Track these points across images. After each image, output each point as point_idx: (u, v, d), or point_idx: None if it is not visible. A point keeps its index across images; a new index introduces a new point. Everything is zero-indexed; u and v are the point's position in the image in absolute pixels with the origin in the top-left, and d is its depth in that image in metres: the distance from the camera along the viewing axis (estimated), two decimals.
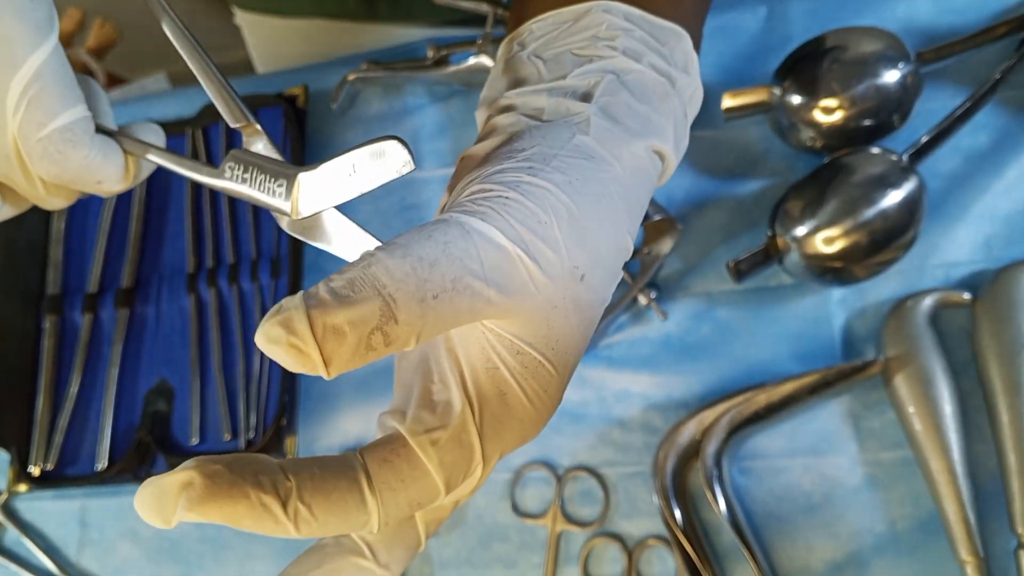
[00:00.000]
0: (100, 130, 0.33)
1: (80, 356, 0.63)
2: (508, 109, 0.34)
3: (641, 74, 0.34)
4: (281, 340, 0.22)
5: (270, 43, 0.78)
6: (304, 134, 0.63)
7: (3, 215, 0.36)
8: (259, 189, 0.30)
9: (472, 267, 0.25)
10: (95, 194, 0.35)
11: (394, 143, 0.27)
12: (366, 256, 0.24)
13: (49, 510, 0.63)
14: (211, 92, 0.31)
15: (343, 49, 0.70)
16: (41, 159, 0.31)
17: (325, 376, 0.23)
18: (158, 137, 0.35)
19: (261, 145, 0.31)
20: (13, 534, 0.62)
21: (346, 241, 0.31)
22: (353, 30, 0.72)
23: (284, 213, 0.29)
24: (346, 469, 0.26)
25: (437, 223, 0.26)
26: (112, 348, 0.63)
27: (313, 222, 0.31)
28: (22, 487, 0.61)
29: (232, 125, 0.31)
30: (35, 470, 0.61)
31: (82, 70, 1.18)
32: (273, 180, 0.29)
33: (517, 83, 0.35)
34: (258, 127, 0.31)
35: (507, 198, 0.27)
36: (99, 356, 0.64)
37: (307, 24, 0.73)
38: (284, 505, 0.24)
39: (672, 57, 0.36)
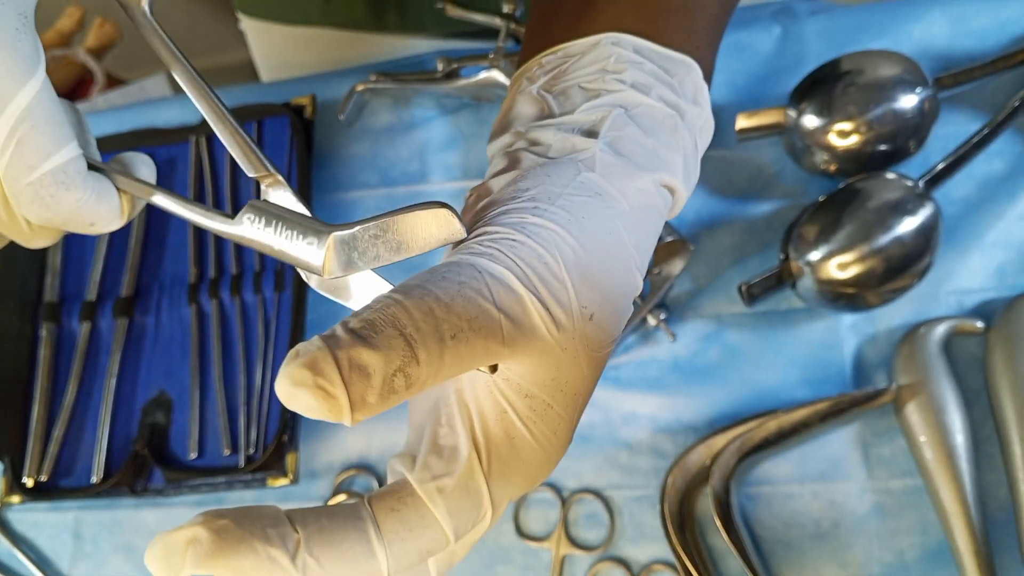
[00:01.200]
0: (92, 167, 0.31)
1: (77, 365, 0.62)
2: (514, 146, 0.34)
3: (650, 107, 0.34)
4: (307, 382, 0.21)
5: (276, 51, 0.77)
6: (311, 145, 0.63)
7: None
8: (286, 240, 0.28)
9: (486, 308, 0.25)
10: (85, 234, 0.33)
11: (444, 210, 0.26)
12: (381, 299, 0.24)
13: (42, 522, 0.62)
14: (226, 140, 0.30)
15: (350, 59, 0.69)
16: (31, 203, 0.29)
17: (348, 422, 0.22)
18: (149, 170, 0.33)
19: (283, 194, 0.29)
20: (5, 546, 0.61)
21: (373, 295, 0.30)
22: (361, 40, 0.71)
23: (314, 271, 0.28)
24: (354, 519, 0.26)
25: (449, 265, 0.26)
26: (110, 358, 0.62)
27: (344, 282, 0.30)
28: (15, 498, 0.60)
29: (250, 175, 0.30)
30: (29, 481, 0.60)
31: (81, 70, 1.17)
32: (301, 237, 0.28)
33: (527, 118, 0.35)
34: (280, 177, 0.29)
35: (513, 240, 0.27)
36: (96, 366, 0.63)
37: (314, 33, 0.72)
38: (292, 558, 0.24)
39: (682, 89, 0.35)
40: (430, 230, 0.27)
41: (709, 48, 0.38)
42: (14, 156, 0.28)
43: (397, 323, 0.23)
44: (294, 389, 0.22)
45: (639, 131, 0.33)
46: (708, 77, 0.37)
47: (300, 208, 0.29)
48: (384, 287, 0.30)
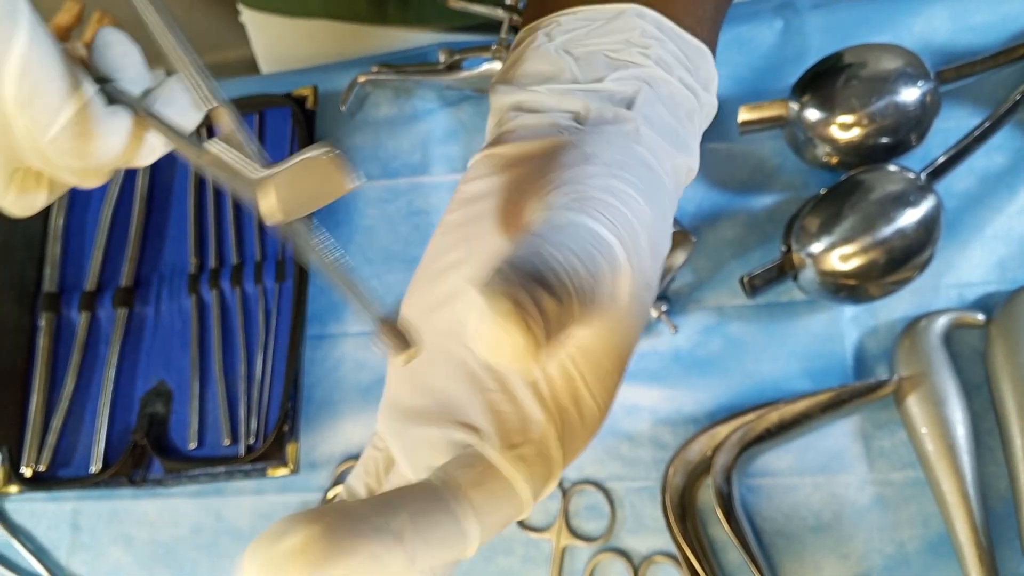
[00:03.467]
0: (117, 100, 0.31)
1: (76, 355, 0.62)
2: (536, 106, 0.34)
3: (672, 87, 0.34)
4: (511, 314, 0.21)
5: (276, 43, 0.77)
6: (313, 136, 0.62)
7: (47, 201, 0.34)
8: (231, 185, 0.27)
9: (600, 270, 0.24)
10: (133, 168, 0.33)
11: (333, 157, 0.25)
12: (535, 243, 0.23)
13: (40, 512, 0.61)
14: (183, 69, 0.29)
15: (351, 51, 0.69)
16: (62, 156, 0.30)
17: (536, 362, 0.21)
18: (184, 103, 0.33)
19: (231, 129, 0.28)
20: (3, 536, 0.61)
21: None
22: (362, 32, 0.71)
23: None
24: (444, 501, 0.25)
25: (572, 225, 0.25)
26: (109, 348, 0.62)
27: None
28: (13, 488, 0.60)
29: (203, 109, 0.29)
30: (27, 471, 0.60)
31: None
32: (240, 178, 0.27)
33: (544, 76, 0.34)
34: (225, 109, 0.28)
35: (611, 205, 0.27)
36: (96, 356, 0.62)
37: (315, 25, 0.72)
38: (403, 547, 0.23)
39: (697, 74, 0.35)
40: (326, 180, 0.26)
41: (713, 38, 0.38)
42: (30, 119, 0.28)
43: (575, 277, 0.23)
44: (501, 319, 0.21)
45: (665, 111, 0.33)
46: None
47: (247, 142, 0.27)
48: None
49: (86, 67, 0.33)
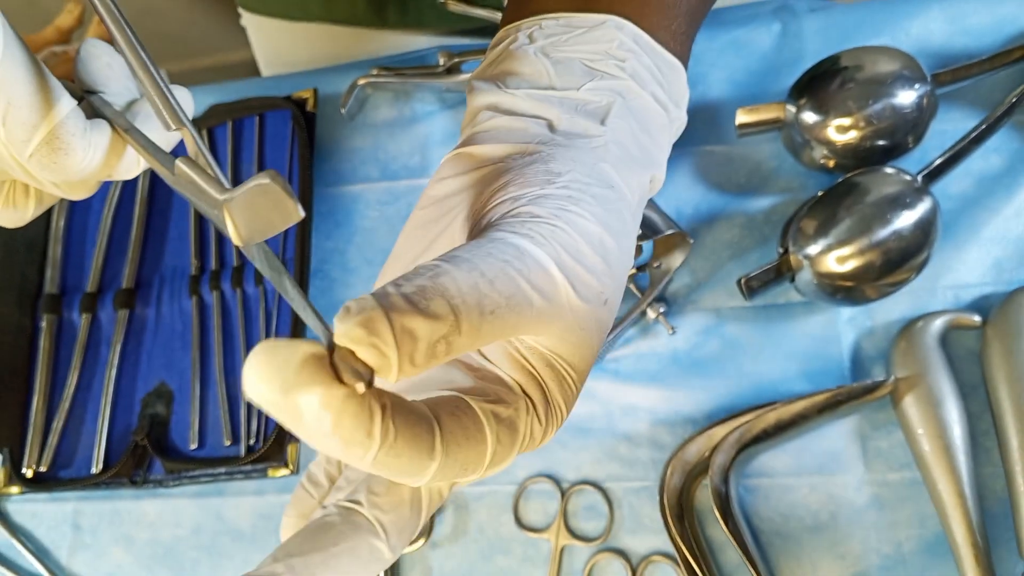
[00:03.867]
0: (99, 114, 0.30)
1: (77, 357, 0.62)
2: (511, 108, 0.34)
3: (644, 101, 0.35)
4: (363, 340, 0.22)
5: (276, 46, 0.78)
6: (313, 138, 0.63)
7: (35, 213, 0.34)
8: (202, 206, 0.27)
9: (524, 288, 0.26)
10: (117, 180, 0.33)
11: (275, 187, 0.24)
12: (431, 267, 0.25)
13: (41, 513, 0.62)
14: (146, 90, 0.28)
15: (351, 55, 0.70)
16: (43, 171, 0.29)
17: (392, 380, 0.23)
18: (187, 102, 0.32)
19: (195, 151, 0.27)
20: (4, 537, 0.61)
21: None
22: (362, 36, 0.71)
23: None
24: (424, 412, 0.25)
25: (494, 242, 0.27)
26: (110, 349, 0.62)
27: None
28: (14, 488, 0.60)
29: (166, 130, 0.28)
30: (28, 471, 0.60)
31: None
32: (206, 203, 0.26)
33: (521, 78, 0.35)
34: (189, 130, 0.28)
35: (555, 226, 0.29)
36: (97, 357, 0.63)
37: (315, 28, 0.72)
38: (383, 414, 0.23)
39: (670, 89, 0.36)
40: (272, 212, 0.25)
41: (685, 53, 0.38)
42: (6, 136, 0.28)
43: (446, 293, 0.24)
44: (351, 343, 0.22)
45: (637, 125, 0.34)
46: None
47: (209, 167, 0.27)
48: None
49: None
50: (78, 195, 0.33)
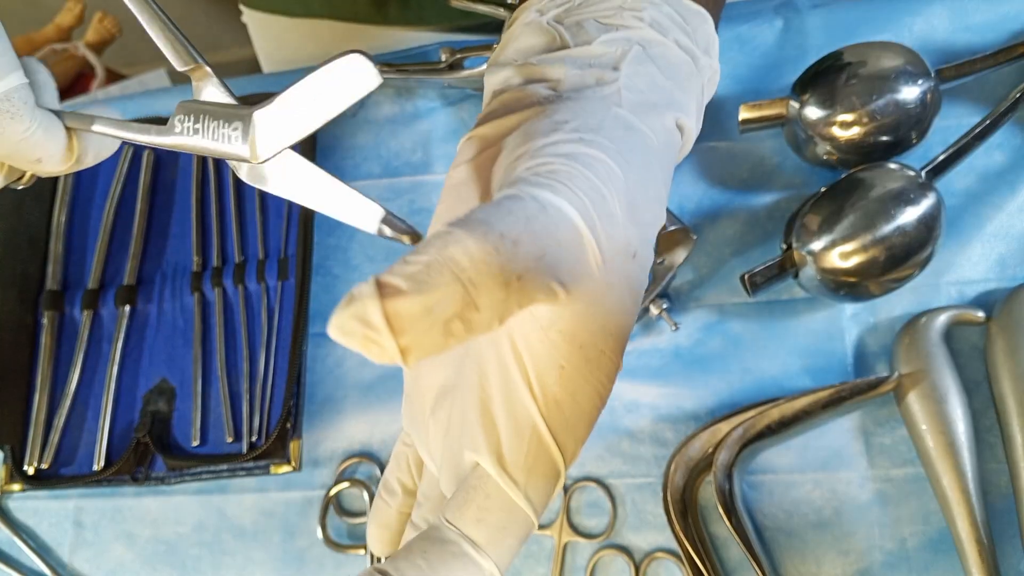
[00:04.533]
0: (41, 107, 0.30)
1: (79, 353, 0.62)
2: (517, 80, 0.33)
3: (666, 47, 0.33)
4: (356, 333, 0.20)
5: (278, 43, 0.78)
6: (314, 135, 0.63)
7: None
8: (212, 138, 0.27)
9: (551, 245, 0.23)
10: (33, 173, 0.32)
11: (354, 56, 0.25)
12: (442, 235, 0.22)
13: (43, 510, 0.61)
14: (155, 33, 0.28)
15: None
16: None
17: (404, 366, 0.21)
18: (110, 114, 0.32)
19: (211, 89, 0.28)
20: (5, 534, 0.61)
21: (313, 189, 0.28)
22: (363, 32, 0.71)
23: (243, 159, 0.26)
24: (449, 546, 0.25)
25: (512, 198, 0.24)
26: (112, 346, 0.62)
27: (277, 169, 0.28)
28: (16, 486, 0.60)
29: (179, 69, 0.28)
30: (30, 469, 0.60)
31: (81, 64, 1.17)
32: (227, 125, 0.26)
33: (533, 50, 0.34)
34: (207, 69, 0.28)
35: (571, 172, 0.26)
36: (99, 354, 0.63)
37: (316, 25, 0.72)
38: None
39: (695, 37, 0.35)
40: (347, 81, 0.25)
41: (713, 7, 0.37)
42: None
43: (456, 266, 0.21)
44: (343, 338, 0.21)
45: (657, 70, 0.32)
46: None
47: (226, 98, 0.27)
48: (330, 181, 0.29)
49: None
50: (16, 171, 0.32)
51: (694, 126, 0.33)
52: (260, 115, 0.26)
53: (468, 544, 0.25)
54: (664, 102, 0.31)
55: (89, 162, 0.33)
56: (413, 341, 0.21)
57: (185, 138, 0.28)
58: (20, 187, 0.34)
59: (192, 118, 0.28)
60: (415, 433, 0.32)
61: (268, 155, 0.26)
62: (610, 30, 0.33)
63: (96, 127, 0.30)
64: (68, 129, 0.31)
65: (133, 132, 0.29)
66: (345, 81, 0.25)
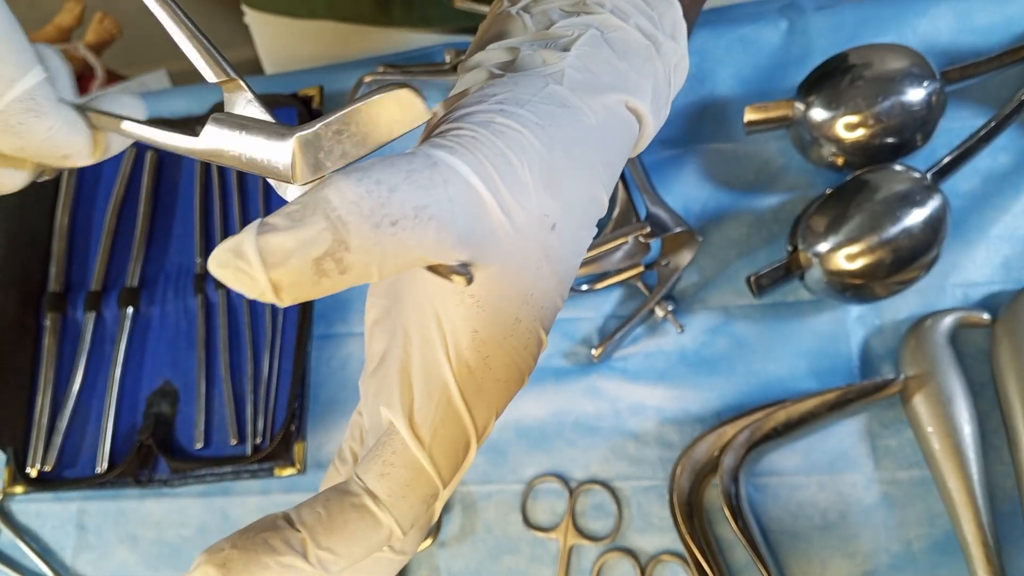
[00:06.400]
0: (63, 102, 0.30)
1: (82, 355, 0.62)
2: (482, 63, 0.33)
3: (625, 32, 0.33)
4: (230, 264, 0.21)
5: (281, 44, 0.77)
6: None
7: (29, 178, 0.33)
8: (251, 152, 0.26)
9: (437, 198, 0.24)
10: (59, 167, 0.32)
11: (403, 91, 0.25)
12: (324, 179, 0.23)
13: (46, 512, 0.61)
14: (184, 44, 0.28)
15: (356, 53, 0.70)
16: (8, 133, 0.28)
17: (278, 303, 0.22)
18: (136, 107, 0.31)
19: (245, 104, 0.27)
20: (8, 536, 0.61)
21: None
22: (366, 34, 0.71)
23: (284, 179, 0.26)
24: (350, 498, 0.26)
25: (403, 154, 0.25)
26: (115, 348, 0.62)
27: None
28: (19, 488, 0.60)
29: (211, 81, 0.28)
30: (33, 471, 0.60)
31: (81, 65, 1.16)
32: (266, 142, 0.26)
33: (501, 37, 0.34)
34: (242, 83, 0.27)
35: (476, 136, 0.26)
36: (101, 356, 0.62)
37: (320, 26, 0.72)
38: (306, 557, 0.25)
39: (660, 22, 0.35)
40: (393, 115, 0.25)
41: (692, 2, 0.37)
42: None
43: (327, 205, 0.22)
44: (219, 270, 0.22)
45: (612, 53, 0.32)
46: (689, 27, 0.37)
47: (263, 115, 0.27)
48: None
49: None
50: (11, 178, 0.32)
51: (649, 110, 0.33)
52: (302, 138, 0.25)
53: (369, 497, 0.26)
54: (614, 84, 0.31)
55: (115, 151, 0.33)
56: (284, 276, 0.22)
57: (222, 144, 0.27)
58: (42, 180, 0.34)
59: (226, 131, 0.27)
60: (362, 398, 0.32)
61: (309, 179, 0.26)
62: (571, 16, 0.33)
63: (125, 127, 0.30)
64: (93, 124, 0.31)
65: (160, 137, 0.29)
66: (392, 114, 0.25)
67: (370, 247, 0.22)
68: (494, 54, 0.33)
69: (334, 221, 0.22)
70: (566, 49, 0.32)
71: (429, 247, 0.24)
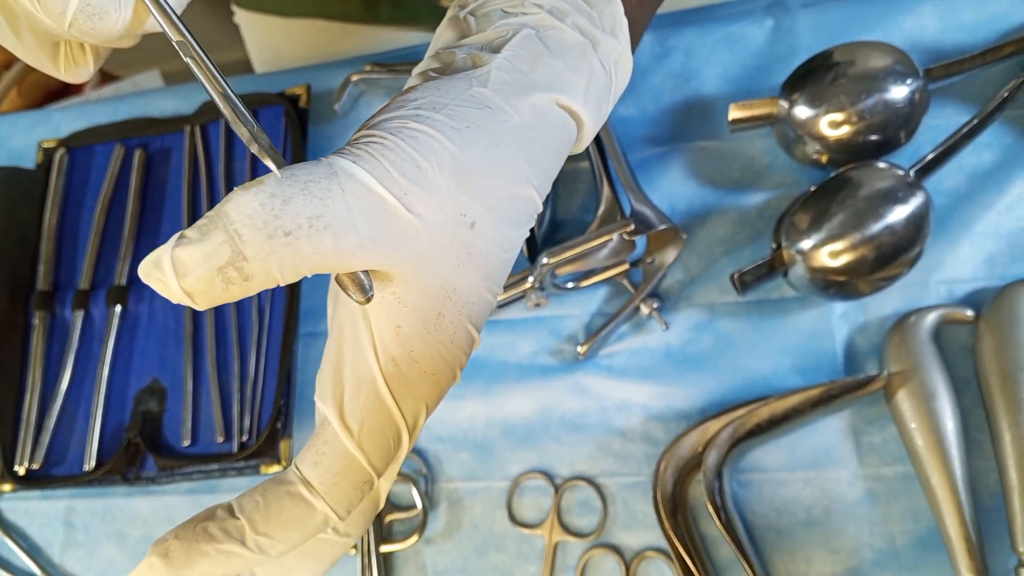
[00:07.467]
0: None
1: (70, 354, 0.62)
2: (425, 69, 0.34)
3: (560, 31, 0.34)
4: (152, 275, 0.24)
5: (269, 43, 0.78)
6: (306, 135, 0.63)
7: (96, 66, 0.34)
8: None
9: (334, 207, 0.25)
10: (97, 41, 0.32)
11: None
12: (229, 195, 0.25)
13: (34, 510, 0.61)
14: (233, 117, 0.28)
15: (344, 51, 0.70)
16: (84, 37, 0.29)
17: (196, 307, 0.24)
18: None
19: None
20: None
21: None
22: (355, 32, 0.71)
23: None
24: (285, 485, 0.28)
25: (305, 164, 0.26)
26: (103, 346, 0.62)
27: None
28: (7, 486, 0.60)
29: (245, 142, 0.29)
30: (21, 469, 0.60)
31: None
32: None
33: (448, 41, 0.35)
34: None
35: (384, 143, 0.27)
36: (90, 354, 0.63)
37: (308, 24, 0.72)
38: (244, 543, 0.26)
39: (600, 20, 0.35)
40: None
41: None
42: (45, 11, 0.28)
43: (226, 219, 0.24)
44: (144, 279, 0.24)
45: (545, 51, 0.33)
46: (637, 33, 0.38)
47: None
48: None
49: None
50: (126, 44, 0.32)
51: (583, 107, 0.33)
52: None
53: (303, 485, 0.28)
54: (545, 83, 0.32)
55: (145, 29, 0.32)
56: (194, 285, 0.24)
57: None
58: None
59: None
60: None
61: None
62: (509, 17, 0.34)
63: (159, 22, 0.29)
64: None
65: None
66: None
67: (265, 256, 0.24)
68: (434, 60, 0.34)
69: (231, 234, 0.24)
70: (498, 50, 0.32)
71: (328, 254, 0.25)
